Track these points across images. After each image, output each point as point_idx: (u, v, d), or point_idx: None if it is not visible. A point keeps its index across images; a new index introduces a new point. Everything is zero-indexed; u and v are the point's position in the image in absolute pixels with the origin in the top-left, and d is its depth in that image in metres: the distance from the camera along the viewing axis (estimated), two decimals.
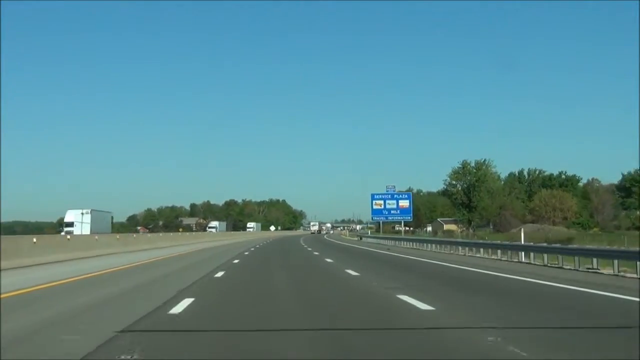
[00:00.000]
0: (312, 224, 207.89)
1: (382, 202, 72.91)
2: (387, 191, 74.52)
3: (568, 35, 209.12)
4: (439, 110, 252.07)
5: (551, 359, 6.25)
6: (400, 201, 73.66)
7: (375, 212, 73.33)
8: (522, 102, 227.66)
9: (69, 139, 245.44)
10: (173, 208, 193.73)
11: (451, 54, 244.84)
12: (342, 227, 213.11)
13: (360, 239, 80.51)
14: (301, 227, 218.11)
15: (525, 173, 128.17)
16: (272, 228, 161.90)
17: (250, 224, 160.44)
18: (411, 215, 75.07)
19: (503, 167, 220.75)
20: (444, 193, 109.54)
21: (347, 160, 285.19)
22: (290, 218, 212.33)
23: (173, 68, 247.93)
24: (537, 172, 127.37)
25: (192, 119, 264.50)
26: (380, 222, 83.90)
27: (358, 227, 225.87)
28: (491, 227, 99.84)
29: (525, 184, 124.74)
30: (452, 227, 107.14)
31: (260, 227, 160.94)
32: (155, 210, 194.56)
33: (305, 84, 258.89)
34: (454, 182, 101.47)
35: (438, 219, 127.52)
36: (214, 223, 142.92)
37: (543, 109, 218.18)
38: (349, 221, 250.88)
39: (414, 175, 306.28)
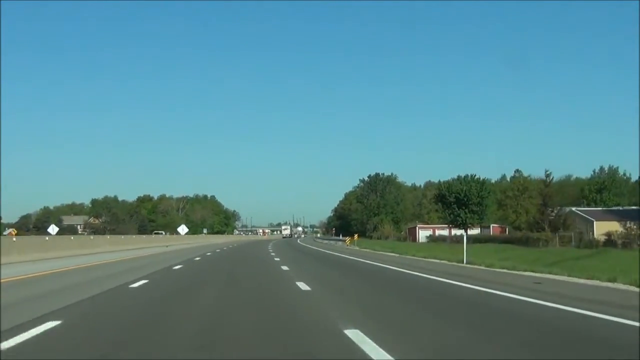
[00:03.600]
0: (283, 227, 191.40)
1: None
2: None
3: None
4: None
5: None
6: None
7: None
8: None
9: None
10: (72, 205, 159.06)
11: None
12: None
13: None
14: (235, 231, 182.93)
15: None
16: (183, 230, 74.05)
17: None
18: None
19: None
20: None
21: (285, 160, 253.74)
22: (221, 219, 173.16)
23: (83, 53, 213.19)
24: None
25: (106, 105, 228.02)
26: None
27: (299, 228, 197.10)
28: None
29: None
30: (614, 225, 56.41)
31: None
32: (53, 208, 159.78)
33: (258, 72, 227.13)
34: None
35: (573, 209, 70.54)
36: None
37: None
38: (286, 224, 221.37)
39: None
